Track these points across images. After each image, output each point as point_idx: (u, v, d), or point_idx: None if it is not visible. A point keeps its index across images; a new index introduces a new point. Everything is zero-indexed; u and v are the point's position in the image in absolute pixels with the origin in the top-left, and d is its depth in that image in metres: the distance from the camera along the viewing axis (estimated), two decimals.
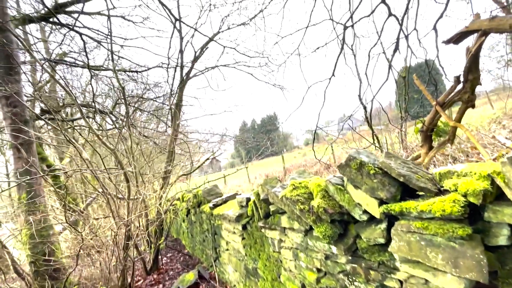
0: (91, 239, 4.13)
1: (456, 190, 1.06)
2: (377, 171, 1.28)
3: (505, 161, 0.96)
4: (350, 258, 1.47)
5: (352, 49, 3.82)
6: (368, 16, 2.55)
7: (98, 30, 6.47)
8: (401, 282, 1.23)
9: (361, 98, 3.82)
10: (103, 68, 7.22)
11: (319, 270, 1.73)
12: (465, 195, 1.02)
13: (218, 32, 6.73)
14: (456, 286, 1.00)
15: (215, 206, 3.42)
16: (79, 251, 3.39)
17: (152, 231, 5.09)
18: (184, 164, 7.49)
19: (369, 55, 2.77)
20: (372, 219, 1.38)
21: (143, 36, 6.90)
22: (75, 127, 6.88)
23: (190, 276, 3.76)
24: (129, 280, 4.07)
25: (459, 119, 3.01)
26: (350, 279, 1.48)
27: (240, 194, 3.30)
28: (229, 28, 6.86)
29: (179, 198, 6.14)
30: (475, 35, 2.75)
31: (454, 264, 0.98)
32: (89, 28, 6.33)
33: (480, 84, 2.91)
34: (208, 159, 8.23)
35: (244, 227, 2.65)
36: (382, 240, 1.27)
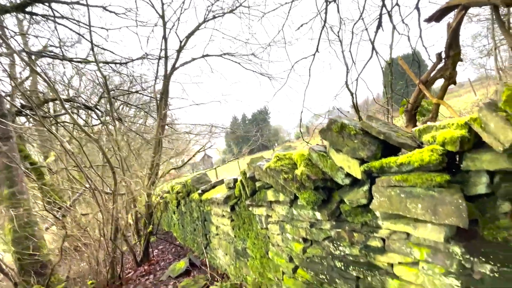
0: (78, 231, 4.02)
1: (435, 142, 1.06)
2: (357, 131, 1.27)
3: (482, 106, 0.96)
4: (334, 223, 1.46)
5: (338, 36, 3.82)
6: None
7: (79, 22, 6.24)
8: (383, 240, 1.24)
9: (347, 85, 3.83)
10: (85, 60, 6.98)
11: (305, 240, 1.72)
12: (443, 145, 1.01)
13: (204, 21, 6.61)
14: (436, 235, 1.01)
15: (204, 192, 3.38)
16: (63, 242, 3.29)
17: (142, 223, 5.01)
18: (174, 157, 7.39)
19: (352, 32, 2.76)
20: (355, 183, 1.37)
21: (127, 26, 6.70)
22: (59, 123, 6.65)
23: (181, 265, 3.73)
24: (118, 271, 4.00)
25: (441, 96, 3.04)
26: (335, 245, 1.48)
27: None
28: (214, 17, 6.75)
29: (169, 190, 6.07)
30: (456, 11, 2.77)
31: (433, 212, 0.98)
32: (68, 19, 6.09)
33: (461, 60, 2.95)
34: (198, 151, 8.14)
35: (233, 208, 2.62)
36: (364, 201, 1.27)
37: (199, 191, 3.43)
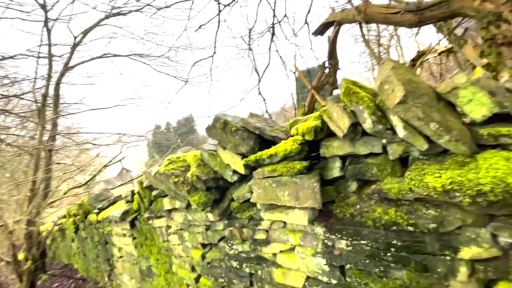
0: None
1: (298, 133, 1.15)
2: (238, 127, 1.29)
3: (328, 100, 1.10)
4: (226, 222, 1.44)
5: (249, 45, 4.00)
6: None
7: None
8: (267, 231, 1.27)
9: (260, 92, 4.06)
10: None
11: (204, 246, 1.65)
12: (303, 135, 1.11)
13: (106, 17, 5.87)
14: (302, 218, 1.09)
15: (101, 210, 2.91)
16: None
17: (23, 260, 3.97)
18: (72, 173, 6.22)
19: (249, 37, 2.91)
20: (243, 179, 1.38)
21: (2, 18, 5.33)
22: None
23: None
24: None
25: None
26: (229, 244, 1.45)
27: None
28: (120, 14, 6.08)
29: (65, 215, 5.04)
30: (333, 27, 3.24)
31: (296, 197, 1.05)
32: None
33: (340, 69, 3.47)
34: (107, 165, 7.13)
35: (133, 225, 2.33)
36: (249, 195, 1.28)
37: (96, 210, 2.94)
